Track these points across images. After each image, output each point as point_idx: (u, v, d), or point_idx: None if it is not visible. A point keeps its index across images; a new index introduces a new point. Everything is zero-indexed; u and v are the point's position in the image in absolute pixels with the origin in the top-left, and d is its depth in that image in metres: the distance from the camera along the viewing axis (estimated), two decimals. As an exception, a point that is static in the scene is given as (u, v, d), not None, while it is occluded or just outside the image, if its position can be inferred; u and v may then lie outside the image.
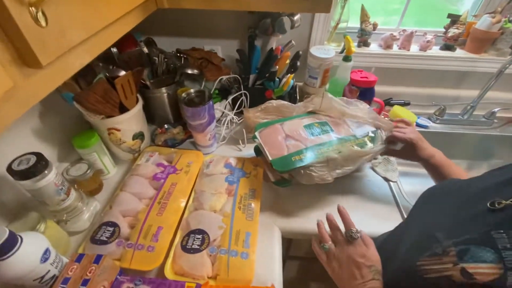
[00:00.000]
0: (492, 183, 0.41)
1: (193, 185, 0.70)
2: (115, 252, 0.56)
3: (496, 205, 0.35)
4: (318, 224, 0.55)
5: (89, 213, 0.65)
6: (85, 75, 0.68)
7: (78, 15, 0.33)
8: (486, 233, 0.33)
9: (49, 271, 0.45)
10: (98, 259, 0.48)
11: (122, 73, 0.73)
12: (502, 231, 0.32)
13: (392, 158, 0.82)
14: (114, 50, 0.78)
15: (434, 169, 0.64)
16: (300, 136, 0.69)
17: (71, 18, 0.31)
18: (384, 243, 0.53)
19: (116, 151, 0.77)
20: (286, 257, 0.83)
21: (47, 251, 0.44)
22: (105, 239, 0.57)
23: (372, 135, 0.71)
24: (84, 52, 0.36)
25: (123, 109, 0.69)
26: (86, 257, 0.48)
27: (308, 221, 0.66)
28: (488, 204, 0.36)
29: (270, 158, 0.66)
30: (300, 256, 0.84)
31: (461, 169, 0.62)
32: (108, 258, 0.49)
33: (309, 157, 0.64)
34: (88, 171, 0.67)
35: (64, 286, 0.44)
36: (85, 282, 0.45)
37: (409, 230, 0.47)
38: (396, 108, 0.95)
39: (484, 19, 0.88)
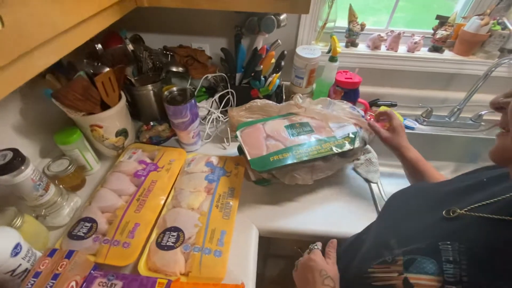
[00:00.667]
0: (455, 189, 0.41)
1: (174, 183, 0.71)
2: (92, 247, 0.57)
3: (451, 214, 0.35)
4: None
5: (69, 209, 0.66)
6: (67, 72, 0.68)
7: (41, 15, 0.33)
8: (433, 244, 0.33)
9: (20, 265, 0.46)
10: (69, 254, 0.49)
11: (107, 69, 0.74)
12: (448, 242, 0.32)
13: (375, 160, 0.82)
14: (99, 46, 0.78)
15: (410, 163, 0.64)
16: (281, 136, 0.70)
17: (33, 18, 0.32)
18: (348, 248, 0.54)
19: (99, 147, 0.77)
20: (267, 255, 0.84)
21: (18, 246, 0.45)
22: (82, 234, 0.58)
23: (352, 136, 0.71)
24: (49, 52, 0.36)
25: (106, 106, 0.70)
26: (58, 252, 0.49)
27: (287, 221, 0.67)
28: (443, 213, 0.36)
29: (249, 158, 0.66)
30: (282, 254, 0.85)
31: (435, 169, 0.62)
32: (80, 254, 0.50)
33: (288, 158, 0.65)
34: (70, 167, 0.68)
35: (35, 279, 0.45)
36: (56, 276, 0.46)
37: (370, 235, 0.47)
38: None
39: (472, 21, 0.88)
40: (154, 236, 0.59)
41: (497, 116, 0.33)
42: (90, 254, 0.56)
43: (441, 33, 0.91)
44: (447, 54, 0.96)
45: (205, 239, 0.58)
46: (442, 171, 0.85)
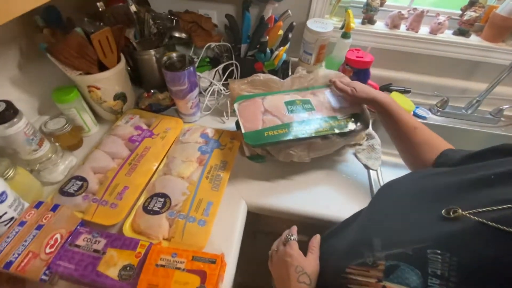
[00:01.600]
0: (458, 183, 0.35)
1: (167, 151, 0.70)
2: (80, 205, 0.58)
3: (451, 214, 0.30)
4: None
5: (64, 166, 0.67)
6: (66, 28, 0.67)
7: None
8: (421, 250, 0.29)
9: (6, 212, 0.47)
10: (55, 207, 0.49)
11: (107, 27, 0.71)
12: (438, 251, 0.28)
13: (377, 146, 0.78)
14: (101, 4, 0.76)
15: (382, 110, 0.59)
16: (279, 111, 0.67)
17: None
18: (329, 237, 0.51)
19: (98, 110, 0.77)
20: (256, 231, 0.84)
21: (3, 194, 0.46)
22: (72, 191, 0.59)
23: (354, 116, 0.67)
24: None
25: (103, 68, 0.69)
26: (44, 205, 0.50)
27: (277, 199, 0.66)
28: (443, 211, 0.31)
29: (244, 131, 0.64)
30: (271, 231, 0.84)
31: (435, 134, 0.55)
32: (65, 208, 0.51)
33: (283, 134, 0.62)
34: (66, 125, 0.68)
35: (20, 228, 0.46)
36: (39, 227, 0.47)
37: (354, 228, 0.44)
38: (394, 95, 0.89)
39: (507, 3, 0.79)
40: (141, 200, 0.60)
41: None
42: (79, 211, 0.58)
43: (469, 14, 0.83)
44: (474, 39, 0.87)
45: (191, 207, 0.58)
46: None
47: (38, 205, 0.49)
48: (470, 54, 0.88)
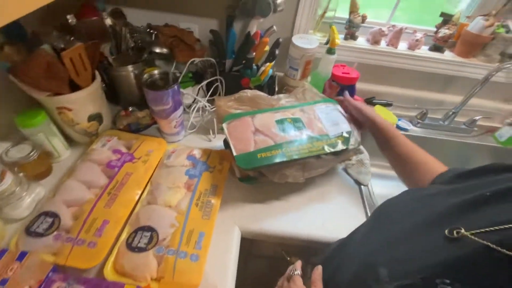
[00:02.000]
0: (459, 202, 0.35)
1: (150, 177, 0.65)
2: (52, 246, 0.51)
3: (454, 234, 0.30)
4: None
5: (30, 200, 0.59)
6: (31, 44, 0.59)
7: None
8: (431, 280, 0.28)
9: (-41, 268, 0.39)
10: (22, 256, 0.43)
11: (78, 45, 0.65)
12: (448, 281, 0.27)
13: (367, 161, 0.79)
14: (71, 17, 0.69)
15: (379, 134, 0.62)
16: (270, 131, 0.64)
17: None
18: (327, 260, 0.49)
19: (69, 132, 0.70)
20: (250, 256, 0.80)
21: (-45, 247, 0.38)
22: (41, 231, 0.51)
23: (346, 135, 0.67)
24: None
25: (75, 87, 0.62)
26: (8, 254, 0.43)
27: (272, 222, 0.63)
28: (446, 232, 0.31)
29: (235, 153, 0.61)
30: (265, 255, 0.81)
31: (429, 156, 0.55)
32: (34, 255, 0.44)
33: (277, 155, 0.60)
34: (32, 153, 0.61)
35: (-22, 285, 0.39)
36: (4, 281, 0.40)
37: (353, 253, 0.42)
38: (377, 108, 0.92)
39: (476, 21, 0.84)
40: (124, 235, 0.54)
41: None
42: (50, 253, 0.50)
43: (443, 31, 0.87)
44: (448, 54, 0.92)
45: (181, 241, 0.53)
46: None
47: (1, 254, 0.42)
48: (445, 68, 0.92)
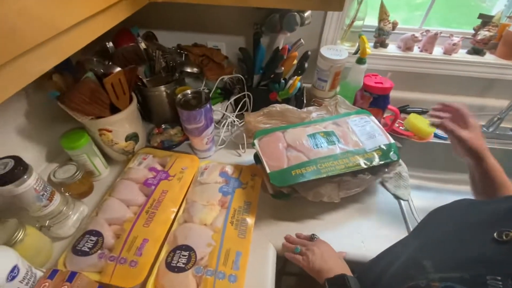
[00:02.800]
0: (508, 207, 0.35)
1: (185, 194, 0.66)
2: (96, 264, 0.53)
3: (504, 237, 0.30)
4: (286, 237, 0.60)
5: (75, 218, 0.62)
6: (75, 71, 0.64)
7: (36, 11, 0.28)
8: (481, 277, 0.28)
9: (17, 288, 0.41)
10: (72, 277, 0.44)
11: (118, 70, 0.69)
12: (499, 278, 0.27)
13: (405, 173, 0.75)
14: (110, 45, 0.74)
15: (489, 173, 0.49)
16: (303, 146, 0.63)
17: (25, 14, 0.26)
18: (374, 263, 0.50)
19: (108, 151, 0.73)
20: (283, 273, 0.78)
21: (15, 269, 0.41)
22: (87, 249, 0.54)
23: (384, 148, 0.64)
24: (47, 54, 0.31)
25: (115, 109, 0.65)
26: (59, 275, 0.44)
27: (307, 240, 0.61)
28: (495, 234, 0.31)
29: (269, 171, 0.60)
30: (296, 272, 0.79)
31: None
32: (83, 276, 0.45)
33: (311, 172, 0.58)
34: (77, 173, 0.64)
35: (33, 305, 0.41)
36: (56, 302, 0.41)
37: (403, 252, 0.42)
38: (412, 117, 0.87)
39: (521, 21, 0.78)
40: (163, 254, 0.54)
41: None
42: (95, 271, 0.52)
43: (483, 33, 0.82)
44: (489, 57, 0.86)
45: (218, 261, 0.52)
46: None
47: (53, 274, 0.44)
48: (486, 72, 0.86)
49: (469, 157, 0.52)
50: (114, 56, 0.70)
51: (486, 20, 0.82)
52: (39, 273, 0.47)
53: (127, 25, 0.77)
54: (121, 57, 0.71)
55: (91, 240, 0.55)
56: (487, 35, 0.81)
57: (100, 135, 0.66)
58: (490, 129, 0.90)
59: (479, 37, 0.83)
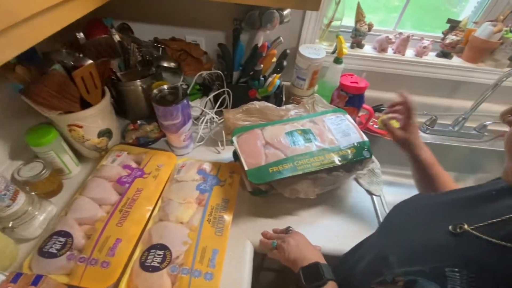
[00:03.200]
0: (462, 199, 0.38)
1: (161, 192, 0.65)
2: (65, 266, 0.50)
3: (457, 230, 0.32)
4: (263, 234, 0.61)
5: (42, 219, 0.58)
6: (42, 63, 0.60)
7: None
8: (439, 269, 0.30)
9: (-25, 295, 0.39)
10: (37, 280, 0.42)
11: (89, 62, 0.65)
12: (456, 269, 0.29)
13: (378, 170, 0.78)
14: (81, 35, 0.70)
15: (422, 165, 0.58)
16: (281, 144, 0.64)
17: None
18: (345, 258, 0.52)
19: (79, 148, 0.70)
20: (261, 269, 0.79)
21: (-29, 274, 0.38)
22: (54, 251, 0.51)
23: (358, 145, 0.66)
24: (4, 45, 0.29)
25: (86, 104, 0.62)
26: (23, 278, 0.42)
27: (283, 237, 0.62)
28: (450, 227, 0.33)
29: (247, 168, 0.60)
30: (275, 268, 0.80)
31: (449, 176, 0.57)
32: (49, 279, 0.43)
33: (288, 169, 0.59)
34: (44, 171, 0.61)
35: (-7, 312, 0.38)
36: (19, 307, 0.39)
37: (371, 247, 0.45)
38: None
39: (484, 27, 0.83)
40: (137, 253, 0.53)
41: (501, 127, 0.30)
42: (63, 274, 0.50)
43: (451, 38, 0.87)
44: (456, 60, 0.91)
45: (194, 259, 0.52)
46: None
47: (16, 278, 0.42)
48: (454, 74, 0.92)
49: (406, 151, 0.61)
50: (85, 48, 0.66)
51: (453, 25, 0.86)
52: (2, 277, 0.44)
53: (100, 15, 0.74)
54: (93, 49, 0.68)
55: (59, 241, 0.53)
56: (455, 39, 0.86)
57: (69, 130, 0.63)
58: (456, 128, 0.96)
59: (447, 41, 0.87)
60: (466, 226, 0.32)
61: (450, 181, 0.56)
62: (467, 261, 0.29)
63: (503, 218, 0.30)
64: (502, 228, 0.30)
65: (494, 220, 0.31)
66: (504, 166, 0.33)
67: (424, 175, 0.58)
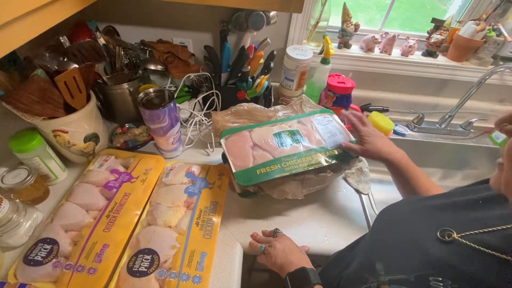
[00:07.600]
0: (450, 205, 0.38)
1: (149, 196, 0.64)
2: (51, 274, 0.50)
3: (446, 237, 0.32)
4: (252, 235, 0.60)
5: (28, 226, 0.58)
6: (24, 68, 0.59)
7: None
8: (424, 278, 0.30)
9: (-45, 307, 0.38)
10: (20, 289, 0.41)
11: (73, 67, 0.65)
12: (440, 278, 0.29)
13: (366, 169, 0.79)
14: (65, 39, 0.69)
15: (395, 169, 0.58)
16: (269, 145, 0.64)
17: None
18: (333, 262, 0.52)
19: (66, 153, 0.69)
20: (253, 270, 0.79)
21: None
22: (40, 259, 0.51)
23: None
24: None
25: (71, 109, 0.61)
26: (7, 287, 0.41)
27: (273, 237, 0.62)
28: (438, 234, 0.33)
29: (234, 170, 0.60)
30: (267, 269, 0.80)
31: (427, 176, 0.57)
32: (33, 287, 0.43)
33: (276, 170, 0.60)
34: (29, 178, 0.60)
35: (-25, 323, 0.38)
36: (2, 318, 0.39)
37: (358, 253, 0.44)
38: (374, 115, 0.91)
39: (468, 26, 0.85)
40: (125, 259, 0.53)
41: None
42: (49, 281, 0.49)
43: (436, 37, 0.88)
44: (441, 59, 0.93)
45: (182, 262, 0.52)
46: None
47: (-2, 288, 0.41)
48: (439, 73, 0.93)
49: (376, 160, 0.60)
50: (69, 51, 0.65)
51: (438, 24, 0.88)
52: (-17, 288, 0.43)
53: (85, 18, 0.73)
54: (77, 53, 0.67)
55: (44, 249, 0.52)
56: (439, 38, 0.87)
57: (54, 136, 0.62)
58: (443, 126, 0.98)
59: (432, 40, 0.89)
60: (455, 235, 0.32)
61: (428, 181, 0.55)
62: (453, 270, 0.29)
63: (492, 229, 0.30)
64: (493, 238, 0.29)
65: (485, 230, 0.30)
66: (493, 174, 0.31)
67: (400, 180, 0.58)
